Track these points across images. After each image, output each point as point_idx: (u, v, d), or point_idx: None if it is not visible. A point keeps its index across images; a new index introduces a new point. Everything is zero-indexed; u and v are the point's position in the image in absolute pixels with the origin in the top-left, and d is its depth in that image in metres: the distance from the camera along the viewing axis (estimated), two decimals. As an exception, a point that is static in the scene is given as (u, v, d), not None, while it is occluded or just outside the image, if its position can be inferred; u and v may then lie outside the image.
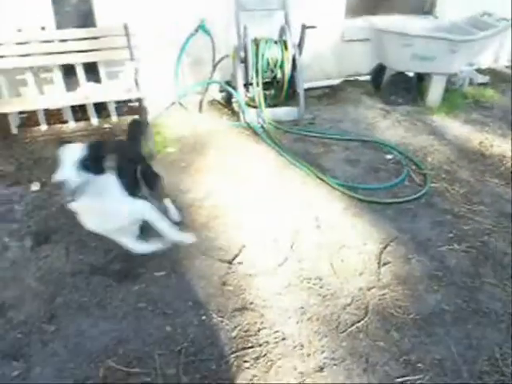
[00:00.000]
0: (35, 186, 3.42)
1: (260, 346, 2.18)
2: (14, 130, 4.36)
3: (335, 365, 2.10)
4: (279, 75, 4.57)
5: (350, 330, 2.27)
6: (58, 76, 4.31)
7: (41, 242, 2.83)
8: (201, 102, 4.70)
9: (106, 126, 4.41)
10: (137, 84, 3.95)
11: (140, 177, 2.67)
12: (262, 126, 4.35)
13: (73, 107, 4.39)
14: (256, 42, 4.45)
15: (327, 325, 2.29)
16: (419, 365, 2.10)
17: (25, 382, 2.01)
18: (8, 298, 2.44)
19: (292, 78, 4.51)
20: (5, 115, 4.23)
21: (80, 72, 4.28)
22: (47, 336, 2.22)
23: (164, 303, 2.38)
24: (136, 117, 3.25)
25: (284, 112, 4.54)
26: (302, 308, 2.38)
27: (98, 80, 4.37)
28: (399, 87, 4.88)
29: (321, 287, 2.51)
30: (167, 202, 2.98)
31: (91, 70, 4.36)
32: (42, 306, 2.39)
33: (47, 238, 2.86)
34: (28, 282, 2.55)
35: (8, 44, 4.10)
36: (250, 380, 2.03)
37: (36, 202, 3.25)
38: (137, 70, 3.97)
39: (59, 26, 4.18)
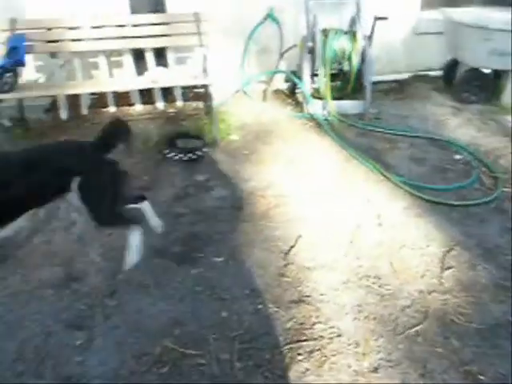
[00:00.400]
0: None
1: (314, 340, 2.15)
2: (85, 111, 4.54)
3: (391, 367, 2.04)
4: (346, 67, 4.48)
5: (407, 332, 2.19)
6: (128, 60, 4.44)
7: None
8: (265, 91, 4.70)
9: (171, 110, 4.50)
10: (205, 70, 3.99)
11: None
12: (326, 118, 4.28)
13: (140, 90, 4.52)
14: (325, 33, 4.38)
15: (384, 325, 2.23)
16: (481, 377, 2.00)
17: (87, 351, 2.09)
18: (73, 270, 2.55)
19: (359, 71, 4.40)
20: (77, 96, 4.42)
21: (150, 57, 4.39)
22: (109, 310, 2.29)
23: (221, 289, 2.40)
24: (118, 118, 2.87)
25: (349, 105, 4.45)
26: (359, 306, 2.33)
27: (165, 65, 4.45)
28: (473, 84, 4.65)
29: (379, 286, 2.44)
30: (145, 205, 2.71)
31: (160, 55, 4.46)
32: (105, 281, 2.47)
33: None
34: (92, 257, 2.65)
35: (84, 28, 4.26)
36: (303, 373, 2.01)
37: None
38: (205, 57, 4.01)
39: (133, 11, 4.30)
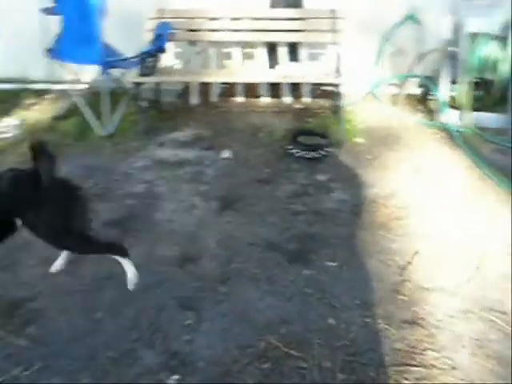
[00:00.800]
0: (226, 154, 3.67)
1: (425, 367, 2.01)
2: (214, 98, 4.72)
3: (506, 416, 1.85)
4: (491, 76, 4.11)
5: (533, 380, 1.97)
6: (262, 53, 4.52)
7: (225, 207, 3.02)
8: (396, 95, 4.50)
9: (297, 106, 4.51)
10: (337, 69, 3.92)
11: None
12: (459, 130, 3.98)
13: (269, 84, 4.58)
14: (471, 37, 4.05)
15: (506, 368, 2.02)
16: None
17: (195, 332, 2.17)
18: (189, 252, 2.66)
19: (505, 81, 4.02)
20: (208, 84, 4.61)
21: (282, 51, 4.42)
22: (219, 296, 2.35)
23: (331, 295, 2.35)
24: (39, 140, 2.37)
25: (489, 118, 4.09)
26: (479, 340, 2.13)
27: (297, 60, 4.46)
28: None
29: (505, 324, 2.22)
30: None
31: (293, 49, 4.47)
32: (218, 267, 2.54)
33: (231, 205, 3.04)
34: (208, 241, 2.74)
35: (223, 19, 4.41)
36: (408, 400, 1.90)
37: (226, 169, 3.49)
38: (339, 55, 3.94)
39: (272, 5, 4.36)
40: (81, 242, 2.26)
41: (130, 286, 2.38)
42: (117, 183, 3.36)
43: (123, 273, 2.43)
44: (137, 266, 2.52)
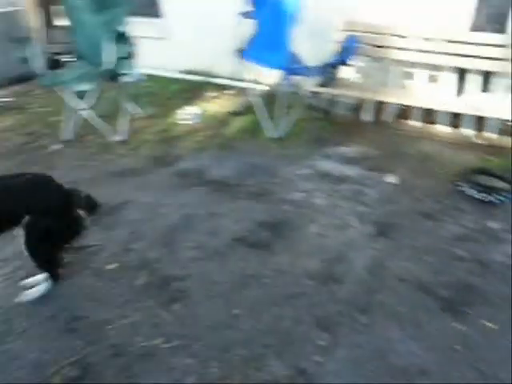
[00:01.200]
0: (391, 178, 3.51)
1: None
2: (388, 118, 4.56)
3: None
4: None
5: None
6: (448, 77, 4.23)
7: (380, 233, 2.90)
8: None
9: (478, 140, 4.12)
10: None
11: None
12: None
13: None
14: None
15: None
16: None
17: (326, 355, 2.11)
18: (335, 271, 2.60)
19: None
20: (384, 103, 4.46)
21: (473, 79, 4.08)
22: (357, 326, 2.26)
23: (481, 358, 2.09)
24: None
25: None
26: None
27: (486, 90, 4.08)
28: None
29: None
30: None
31: (486, 78, 4.10)
32: (362, 294, 2.44)
33: (387, 232, 2.91)
34: (356, 265, 2.64)
35: (412, 38, 4.23)
36: None
37: (388, 193, 3.35)
38: None
39: (474, 29, 4.04)
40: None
41: (24, 297, 2.40)
42: (276, 187, 3.45)
43: (268, 276, 2.50)
44: (284, 272, 2.57)
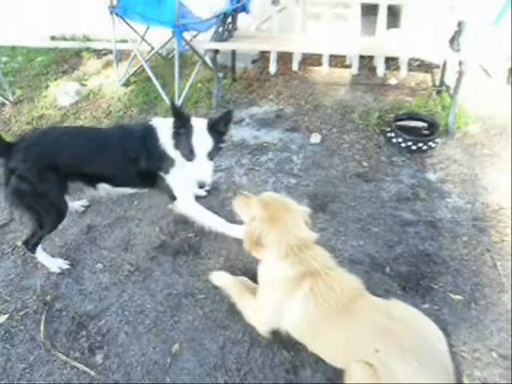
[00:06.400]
0: (315, 138, 3.16)
1: None
2: (295, 67, 4.18)
3: None
4: None
5: None
6: (355, 16, 3.87)
7: (318, 209, 2.53)
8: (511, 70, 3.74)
9: (391, 80, 3.88)
10: (452, 41, 3.15)
11: None
12: None
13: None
14: None
15: None
16: None
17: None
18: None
19: None
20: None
21: (382, 15, 3.75)
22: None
23: (458, 339, 1.86)
24: None
25: None
26: None
27: (396, 26, 3.80)
28: None
29: None
30: None
31: (394, 13, 3.82)
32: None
33: (325, 207, 2.57)
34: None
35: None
36: None
37: (316, 157, 2.99)
38: (461, 24, 3.06)
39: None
40: None
41: None
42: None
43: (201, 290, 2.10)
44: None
